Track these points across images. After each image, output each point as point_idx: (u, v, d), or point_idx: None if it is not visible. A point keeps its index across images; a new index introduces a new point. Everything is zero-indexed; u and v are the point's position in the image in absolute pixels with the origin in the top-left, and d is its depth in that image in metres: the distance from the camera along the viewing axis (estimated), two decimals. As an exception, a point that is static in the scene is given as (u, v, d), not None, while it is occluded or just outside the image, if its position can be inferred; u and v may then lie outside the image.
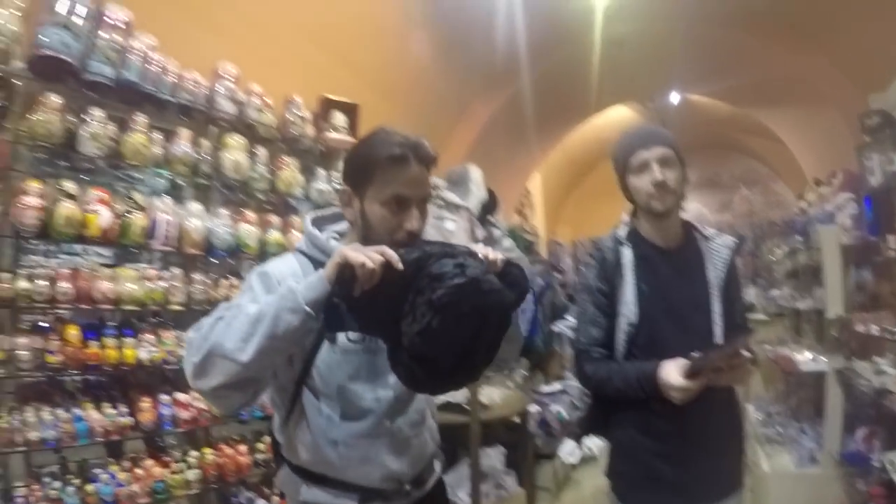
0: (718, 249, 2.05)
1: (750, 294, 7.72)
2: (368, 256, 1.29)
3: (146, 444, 3.14)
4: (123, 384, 3.08)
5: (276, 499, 3.35)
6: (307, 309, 1.31)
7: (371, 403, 1.59)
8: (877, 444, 3.74)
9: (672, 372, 1.76)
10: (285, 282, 1.45)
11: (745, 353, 1.75)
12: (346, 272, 1.28)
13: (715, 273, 2.01)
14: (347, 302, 1.28)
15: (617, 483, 2.08)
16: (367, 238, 1.51)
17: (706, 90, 7.95)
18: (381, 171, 1.49)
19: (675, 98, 8.45)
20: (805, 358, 4.64)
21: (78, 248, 3.10)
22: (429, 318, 1.27)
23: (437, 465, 1.85)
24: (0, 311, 2.66)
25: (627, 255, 2.02)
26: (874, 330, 3.87)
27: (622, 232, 2.10)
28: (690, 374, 1.73)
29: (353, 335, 1.55)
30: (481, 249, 1.48)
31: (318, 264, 1.53)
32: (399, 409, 1.65)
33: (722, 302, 1.99)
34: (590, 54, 6.03)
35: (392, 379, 1.55)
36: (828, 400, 4.26)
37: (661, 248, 2.04)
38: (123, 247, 3.05)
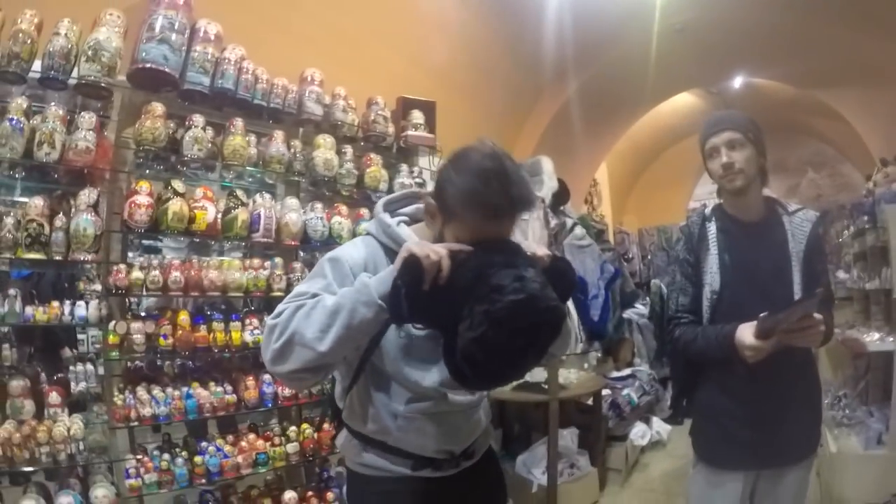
0: (800, 223, 2.11)
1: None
2: (433, 250, 1.36)
3: (249, 420, 3.36)
4: (223, 367, 3.28)
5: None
6: (380, 303, 1.37)
7: (430, 384, 1.59)
8: None
9: (746, 332, 1.86)
10: (356, 266, 1.53)
11: (815, 315, 1.79)
12: (413, 266, 1.33)
13: (796, 245, 2.06)
14: (412, 297, 1.32)
15: (697, 440, 2.22)
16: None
17: (769, 74, 7.72)
18: (472, 217, 1.45)
19: (738, 83, 8.28)
20: (872, 339, 4.60)
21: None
22: (485, 328, 1.30)
23: (489, 439, 1.90)
24: (116, 298, 2.87)
25: (712, 228, 2.14)
26: None
27: (709, 208, 2.22)
28: (761, 333, 1.83)
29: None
30: (530, 247, 1.53)
31: (386, 249, 1.59)
32: (456, 391, 1.66)
33: (802, 272, 2.04)
34: (651, 43, 5.96)
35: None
36: (895, 380, 4.33)
37: (742, 222, 2.13)
38: (227, 239, 3.23)
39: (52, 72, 2.62)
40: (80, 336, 3.09)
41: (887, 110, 5.98)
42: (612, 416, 5.44)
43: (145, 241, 3.24)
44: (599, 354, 6.11)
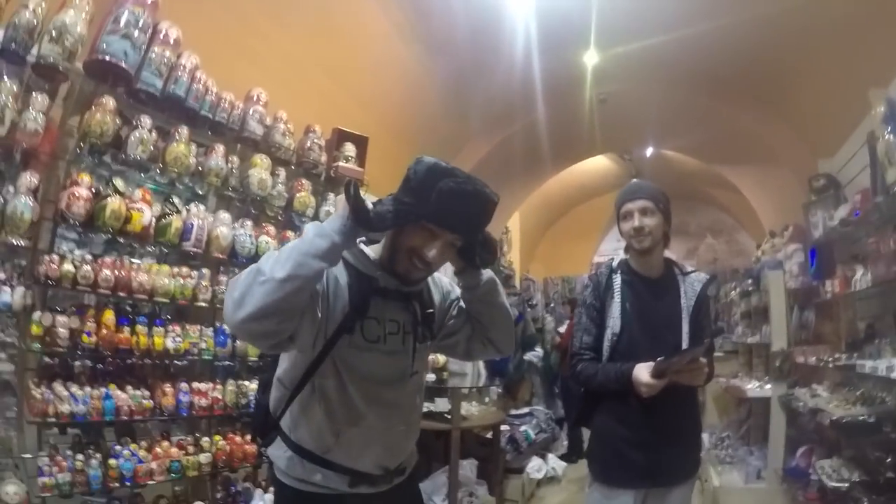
0: (692, 283, 2.43)
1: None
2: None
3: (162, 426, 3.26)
4: (135, 372, 3.18)
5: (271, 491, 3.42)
6: (333, 234, 1.44)
7: (376, 401, 1.68)
8: (814, 460, 4.04)
9: (642, 371, 2.13)
10: (333, 278, 1.63)
11: (701, 359, 2.15)
12: (350, 189, 1.46)
13: (687, 301, 2.38)
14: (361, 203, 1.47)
15: (593, 463, 2.44)
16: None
17: (676, 146, 8.29)
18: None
19: (649, 152, 8.86)
20: (752, 386, 5.12)
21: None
22: (451, 187, 1.52)
23: (415, 458, 1.95)
24: (40, 289, 2.75)
25: (617, 280, 2.41)
26: (812, 360, 4.26)
27: (615, 262, 2.50)
28: (656, 373, 2.09)
29: (368, 335, 1.66)
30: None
31: (353, 270, 1.69)
32: (398, 410, 1.76)
33: (690, 324, 2.35)
34: (579, 108, 6.42)
35: (399, 382, 1.74)
36: (772, 422, 4.66)
37: (644, 277, 2.42)
38: (159, 244, 3.18)
39: (14, 44, 2.54)
40: None
41: (777, 187, 6.52)
42: (510, 450, 5.65)
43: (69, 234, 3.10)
44: (500, 390, 6.26)
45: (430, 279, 1.86)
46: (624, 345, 2.33)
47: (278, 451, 1.75)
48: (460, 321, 1.91)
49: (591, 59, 5.48)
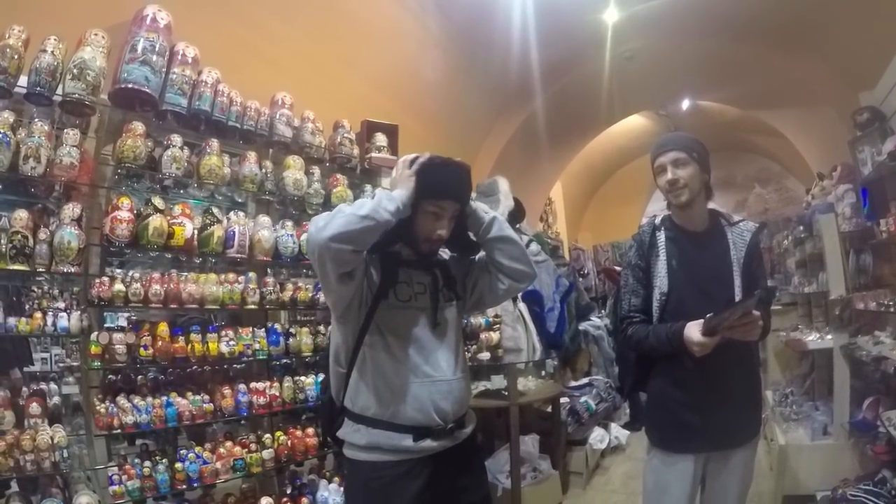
0: (741, 233, 2.30)
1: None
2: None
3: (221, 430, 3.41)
4: (195, 378, 3.33)
5: (335, 481, 3.58)
6: (398, 201, 1.82)
7: (423, 352, 1.92)
8: (881, 411, 3.85)
9: (693, 330, 2.04)
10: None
11: (754, 312, 1.98)
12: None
13: (737, 252, 2.26)
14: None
15: (651, 429, 2.40)
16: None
17: (713, 97, 8.07)
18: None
19: (685, 105, 8.66)
20: (813, 338, 4.87)
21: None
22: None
23: (474, 420, 2.12)
24: (95, 311, 2.90)
25: (661, 237, 2.33)
26: (872, 306, 4.03)
27: (658, 218, 2.42)
28: (707, 331, 2.01)
29: (401, 296, 1.96)
30: None
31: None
32: (448, 359, 1.97)
33: (742, 276, 2.23)
34: (602, 69, 6.27)
35: (441, 331, 1.99)
36: (835, 374, 4.43)
37: (689, 232, 2.32)
38: (203, 255, 3.30)
39: (39, 88, 2.66)
40: (42, 355, 3.19)
41: (821, 126, 6.27)
42: (571, 423, 5.59)
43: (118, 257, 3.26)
44: (556, 363, 6.24)
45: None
46: (673, 304, 2.25)
47: (346, 430, 1.97)
48: (476, 275, 2.18)
49: (611, 16, 5.38)
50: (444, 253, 2.20)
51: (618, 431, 6.35)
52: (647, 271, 2.33)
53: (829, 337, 4.64)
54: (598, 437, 5.84)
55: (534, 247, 5.69)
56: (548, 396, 5.10)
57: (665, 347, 2.18)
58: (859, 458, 4.12)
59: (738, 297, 2.19)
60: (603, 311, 8.32)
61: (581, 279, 9.13)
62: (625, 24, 5.48)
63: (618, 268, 7.94)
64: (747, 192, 11.36)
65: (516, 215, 5.47)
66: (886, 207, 4.16)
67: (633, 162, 11.05)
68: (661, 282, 2.28)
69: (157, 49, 3.02)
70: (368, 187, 4.32)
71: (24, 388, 2.83)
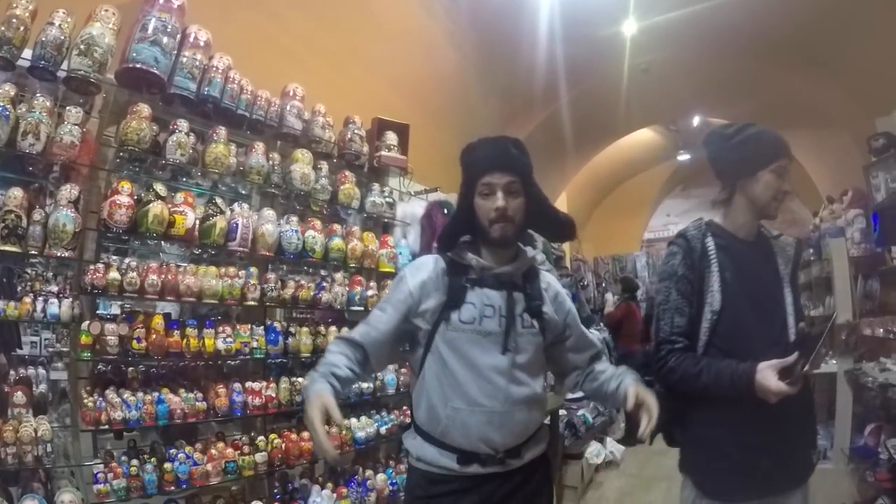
0: (784, 246, 2.06)
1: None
2: None
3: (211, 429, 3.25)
4: (187, 374, 3.18)
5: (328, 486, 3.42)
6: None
7: (480, 380, 1.76)
8: (883, 438, 3.82)
9: (769, 375, 1.71)
10: (415, 288, 1.81)
11: (825, 349, 1.73)
12: None
13: (784, 267, 2.01)
14: None
15: (699, 475, 1.99)
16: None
17: (725, 114, 7.81)
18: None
19: (695, 121, 8.57)
20: None
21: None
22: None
23: (541, 446, 1.93)
24: (88, 299, 2.74)
25: (710, 244, 1.98)
26: (879, 332, 4.00)
27: (702, 223, 2.08)
28: (789, 377, 1.70)
29: (465, 318, 1.78)
30: None
31: (454, 265, 1.86)
32: (511, 387, 1.78)
33: (792, 295, 1.97)
34: (619, 80, 6.19)
35: (511, 358, 1.78)
36: (838, 399, 4.38)
37: (739, 239, 2.01)
38: (204, 246, 3.14)
39: (43, 62, 2.52)
40: (31, 339, 2.99)
41: (833, 150, 6.22)
42: (568, 436, 5.49)
43: (114, 243, 3.13)
44: (555, 377, 6.09)
45: (542, 284, 1.93)
46: (726, 324, 1.90)
47: (408, 437, 1.92)
48: (562, 339, 1.98)
49: (629, 28, 5.29)
50: (546, 278, 1.97)
51: (613, 446, 6.27)
52: (695, 284, 1.97)
53: (834, 361, 4.54)
54: (594, 452, 5.77)
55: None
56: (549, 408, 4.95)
57: (726, 392, 1.82)
58: (858, 483, 4.07)
59: (790, 318, 1.94)
60: (601, 323, 8.18)
61: (581, 290, 9.01)
62: (643, 36, 5.41)
63: None
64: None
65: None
66: (898, 234, 4.06)
67: (638, 175, 10.96)
68: (713, 297, 1.93)
69: (168, 30, 2.88)
70: (376, 186, 4.19)
71: (11, 373, 2.69)
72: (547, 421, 5.00)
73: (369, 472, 3.68)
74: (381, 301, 1.92)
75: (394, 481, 3.68)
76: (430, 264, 1.87)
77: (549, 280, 1.97)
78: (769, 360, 1.75)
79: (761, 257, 2.04)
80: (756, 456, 1.87)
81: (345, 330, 3.64)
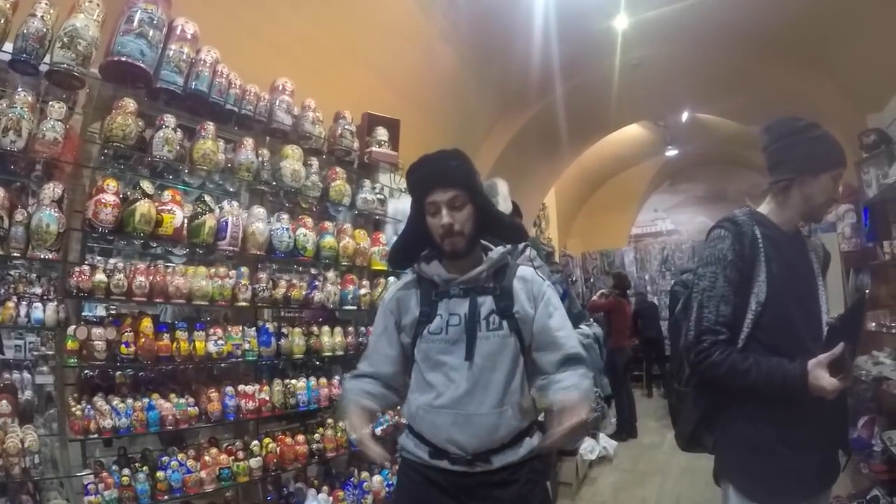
0: (815, 247, 2.00)
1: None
2: None
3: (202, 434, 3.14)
4: (178, 378, 3.07)
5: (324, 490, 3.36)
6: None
7: (451, 385, 1.84)
8: (877, 430, 3.89)
9: (822, 375, 1.65)
10: (391, 302, 1.99)
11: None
12: None
13: (817, 262, 1.96)
14: None
15: (744, 479, 1.85)
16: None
17: (713, 109, 7.98)
18: None
19: (684, 117, 8.53)
20: None
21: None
22: None
23: (520, 449, 1.88)
24: (73, 302, 2.64)
25: (758, 232, 1.89)
26: (872, 326, 4.04)
27: (749, 210, 2.01)
28: (840, 372, 1.65)
29: (433, 329, 1.88)
30: None
31: (422, 280, 1.96)
32: (480, 392, 1.82)
33: (825, 293, 1.93)
34: (610, 75, 6.13)
35: (463, 364, 1.85)
36: None
37: (783, 231, 1.94)
38: (193, 245, 3.04)
39: (25, 55, 2.41)
40: (15, 342, 2.87)
41: (824, 147, 6.19)
42: (563, 434, 5.41)
43: (99, 244, 3.02)
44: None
45: (518, 283, 1.94)
46: (770, 318, 1.80)
47: (402, 432, 2.06)
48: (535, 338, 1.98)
49: (621, 23, 5.23)
50: (522, 276, 1.95)
51: (606, 442, 6.25)
52: (743, 272, 1.85)
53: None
54: (588, 448, 5.75)
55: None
56: (539, 408, 4.90)
57: (774, 391, 1.73)
58: (852, 475, 4.08)
59: (823, 313, 1.89)
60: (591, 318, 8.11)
61: (571, 286, 8.97)
62: (634, 31, 5.36)
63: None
64: (737, 207, 11.19)
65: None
66: (888, 229, 4.19)
67: (627, 171, 10.95)
68: (759, 288, 1.82)
69: (154, 22, 2.77)
70: (366, 182, 4.11)
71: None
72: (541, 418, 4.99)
73: (365, 474, 3.60)
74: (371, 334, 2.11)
75: (390, 483, 3.59)
76: (403, 283, 2.02)
77: (527, 275, 1.96)
78: (812, 355, 1.70)
79: (801, 252, 1.97)
80: (805, 454, 1.79)
81: (339, 336, 3.64)
